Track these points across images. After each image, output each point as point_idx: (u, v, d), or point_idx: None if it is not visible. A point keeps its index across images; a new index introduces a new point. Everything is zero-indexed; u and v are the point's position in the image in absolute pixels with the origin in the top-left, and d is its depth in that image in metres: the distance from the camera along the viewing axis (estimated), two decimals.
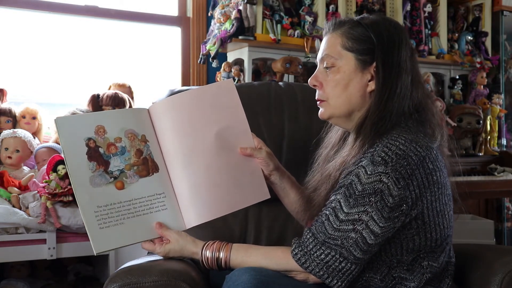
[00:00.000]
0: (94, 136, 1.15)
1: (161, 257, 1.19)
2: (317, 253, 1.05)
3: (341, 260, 1.04)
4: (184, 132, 1.21)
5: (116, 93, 2.27)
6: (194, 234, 1.20)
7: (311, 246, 1.07)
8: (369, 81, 1.14)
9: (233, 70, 2.47)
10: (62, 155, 1.54)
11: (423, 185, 1.05)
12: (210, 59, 2.51)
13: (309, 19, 2.61)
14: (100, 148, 1.15)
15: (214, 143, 1.22)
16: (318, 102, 1.20)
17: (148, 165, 1.19)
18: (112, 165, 1.15)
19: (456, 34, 3.18)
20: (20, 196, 1.91)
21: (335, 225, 1.04)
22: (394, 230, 1.06)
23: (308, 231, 1.09)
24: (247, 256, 1.13)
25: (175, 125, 1.21)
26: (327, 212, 1.07)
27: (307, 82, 1.24)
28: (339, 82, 1.15)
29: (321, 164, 1.25)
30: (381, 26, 1.15)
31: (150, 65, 2.78)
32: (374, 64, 1.13)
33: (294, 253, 1.08)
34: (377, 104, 1.11)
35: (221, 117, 1.24)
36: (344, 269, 1.04)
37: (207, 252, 1.15)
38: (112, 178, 1.14)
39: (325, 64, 1.17)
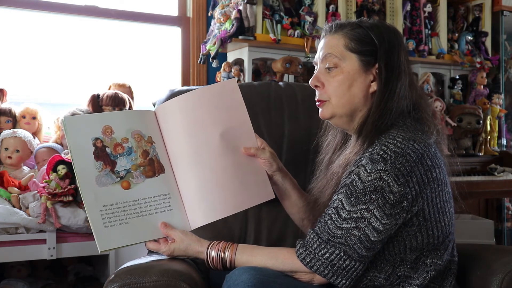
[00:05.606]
0: (102, 136, 1.15)
1: (162, 257, 1.19)
2: (322, 252, 1.06)
3: (346, 258, 1.05)
4: (190, 133, 1.21)
5: (116, 93, 2.26)
6: (194, 233, 1.20)
7: (315, 246, 1.07)
8: (372, 82, 1.16)
9: (233, 70, 2.46)
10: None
11: (422, 181, 1.06)
12: (210, 59, 2.51)
13: (309, 19, 2.60)
14: (107, 148, 1.15)
15: (219, 143, 1.21)
16: (318, 103, 1.20)
17: (154, 166, 1.19)
18: (119, 165, 1.15)
19: (456, 34, 3.17)
20: (20, 196, 1.91)
21: (338, 224, 1.05)
22: (396, 227, 1.07)
23: (312, 231, 1.10)
24: (252, 256, 1.13)
25: (180, 127, 1.21)
26: (330, 212, 1.08)
27: (307, 82, 1.24)
28: (343, 83, 1.15)
29: (323, 170, 1.26)
30: (381, 29, 1.18)
31: (150, 65, 2.77)
32: (377, 65, 1.15)
33: (298, 253, 1.09)
34: (378, 104, 1.13)
35: (225, 117, 1.24)
36: (349, 267, 1.05)
37: (213, 251, 1.15)
38: (119, 178, 1.15)
39: (327, 64, 1.17)
